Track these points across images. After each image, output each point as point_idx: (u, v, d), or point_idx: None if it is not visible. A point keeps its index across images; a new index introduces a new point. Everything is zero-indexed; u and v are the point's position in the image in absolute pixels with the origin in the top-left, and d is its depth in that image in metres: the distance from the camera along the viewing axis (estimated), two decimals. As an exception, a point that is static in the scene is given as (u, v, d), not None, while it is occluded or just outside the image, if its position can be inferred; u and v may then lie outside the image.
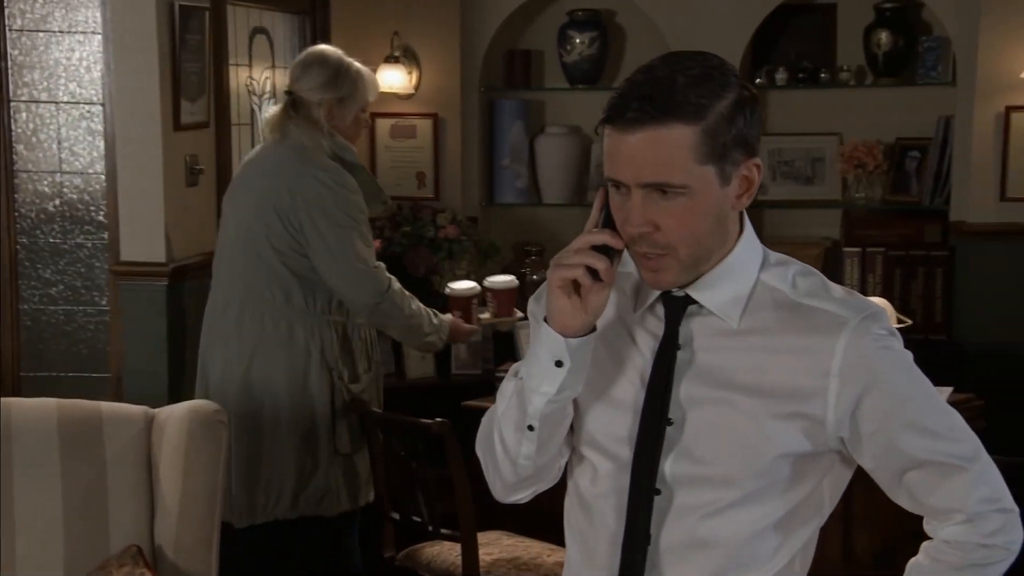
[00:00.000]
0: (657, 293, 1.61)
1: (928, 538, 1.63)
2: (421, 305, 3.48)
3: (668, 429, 1.58)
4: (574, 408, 1.65)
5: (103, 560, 2.51)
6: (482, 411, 3.71)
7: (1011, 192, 4.70)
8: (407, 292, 3.46)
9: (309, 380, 3.27)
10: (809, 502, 1.62)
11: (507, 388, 1.65)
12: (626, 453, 1.60)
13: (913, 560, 1.65)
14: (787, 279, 1.59)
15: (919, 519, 1.63)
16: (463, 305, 3.71)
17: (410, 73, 5.09)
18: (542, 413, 1.58)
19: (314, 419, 3.29)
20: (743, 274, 1.59)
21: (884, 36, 4.99)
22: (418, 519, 3.25)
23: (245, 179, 3.39)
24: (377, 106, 5.13)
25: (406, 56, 5.08)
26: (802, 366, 1.55)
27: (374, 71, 4.98)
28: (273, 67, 4.57)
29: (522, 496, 1.76)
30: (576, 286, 1.53)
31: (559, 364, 1.54)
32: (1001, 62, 4.67)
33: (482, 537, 3.28)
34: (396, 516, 3.35)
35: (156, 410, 2.65)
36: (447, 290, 3.79)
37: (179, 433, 2.56)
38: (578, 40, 5.18)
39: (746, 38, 4.97)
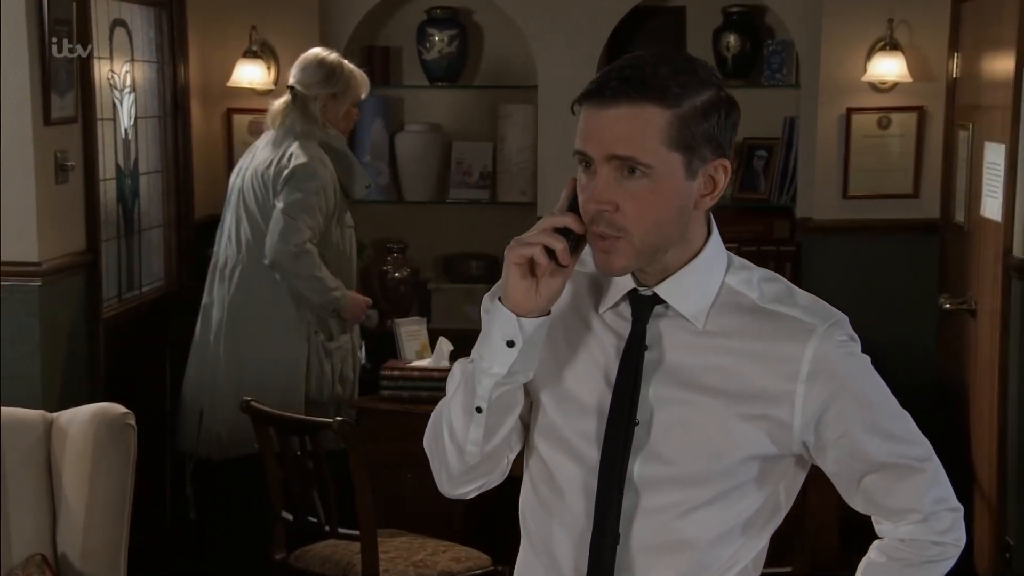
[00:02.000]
0: (623, 292, 1.62)
1: (877, 537, 1.69)
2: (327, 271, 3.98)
3: (635, 429, 1.58)
4: (537, 407, 1.66)
5: (6, 570, 2.43)
6: (366, 409, 3.76)
7: (853, 190, 4.95)
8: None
9: (288, 332, 3.94)
10: (768, 505, 1.64)
11: (457, 372, 1.65)
12: (593, 453, 1.60)
13: (866, 559, 1.70)
14: (752, 284, 1.61)
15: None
16: None
17: (269, 68, 5.03)
18: (491, 395, 1.58)
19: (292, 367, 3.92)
20: (709, 277, 1.61)
21: (732, 39, 5.19)
22: (314, 519, 3.23)
23: (248, 159, 4.10)
24: (235, 102, 5.08)
25: (264, 51, 5.02)
26: (769, 371, 1.57)
27: (231, 66, 4.96)
28: (133, 60, 4.46)
29: (468, 490, 1.72)
30: (533, 267, 1.53)
31: (511, 344, 1.55)
32: (842, 65, 4.92)
33: (374, 535, 3.29)
34: (289, 517, 3.32)
35: (55, 414, 2.58)
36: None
37: (84, 437, 2.49)
38: (437, 38, 5.21)
39: (603, 38, 5.09)
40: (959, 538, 1.68)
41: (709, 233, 1.63)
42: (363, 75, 4.04)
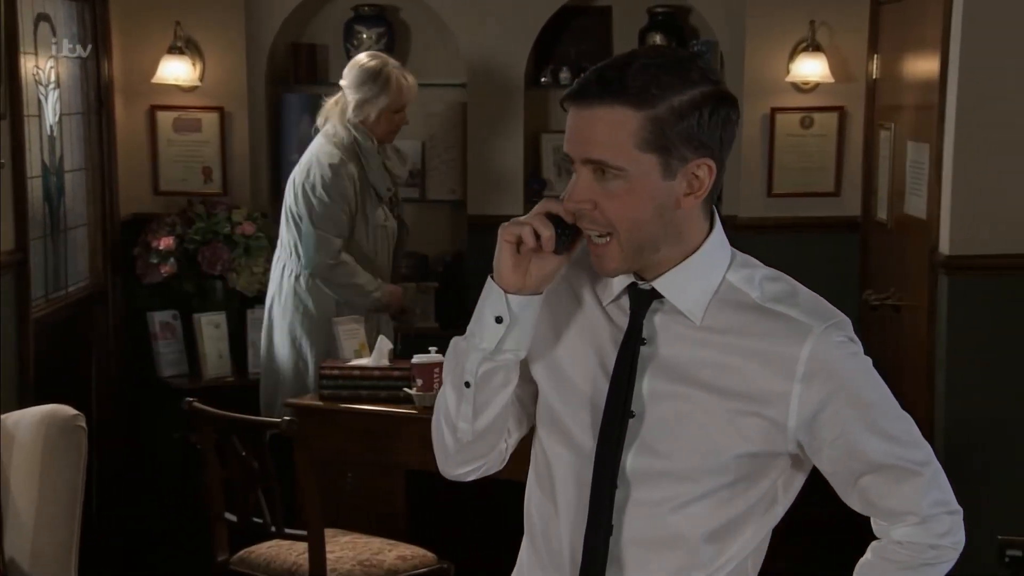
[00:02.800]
0: (623, 286, 1.64)
1: (875, 538, 1.69)
2: (365, 273, 4.13)
3: (630, 422, 1.60)
4: (541, 397, 1.68)
5: (-47, 577, 2.37)
6: (305, 408, 3.73)
7: (777, 189, 5.04)
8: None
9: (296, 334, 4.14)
10: (764, 502, 1.65)
11: (451, 348, 1.68)
12: (588, 443, 1.62)
13: (863, 560, 1.69)
14: (754, 282, 1.62)
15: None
16: (426, 373, 3.65)
17: (194, 65, 4.96)
18: (478, 370, 1.60)
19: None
20: (710, 272, 1.61)
21: (658, 39, 5.24)
22: (259, 520, 3.21)
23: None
24: (159, 98, 5.01)
25: (189, 47, 4.96)
26: (766, 371, 1.58)
27: (155, 62, 4.88)
28: (57, 56, 4.37)
29: (465, 471, 1.75)
30: (518, 244, 1.57)
31: (499, 320, 1.58)
32: (766, 66, 5.01)
33: (318, 534, 3.27)
34: (232, 518, 3.29)
35: (1, 416, 2.52)
36: (413, 359, 3.69)
37: (33, 440, 2.45)
38: (365, 35, 5.19)
39: (532, 37, 5.12)
40: (958, 541, 1.67)
41: (711, 229, 1.64)
42: (407, 82, 4.17)
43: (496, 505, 4.08)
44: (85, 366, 4.48)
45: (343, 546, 3.33)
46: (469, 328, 1.63)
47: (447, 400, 1.68)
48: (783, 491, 1.67)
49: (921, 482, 1.63)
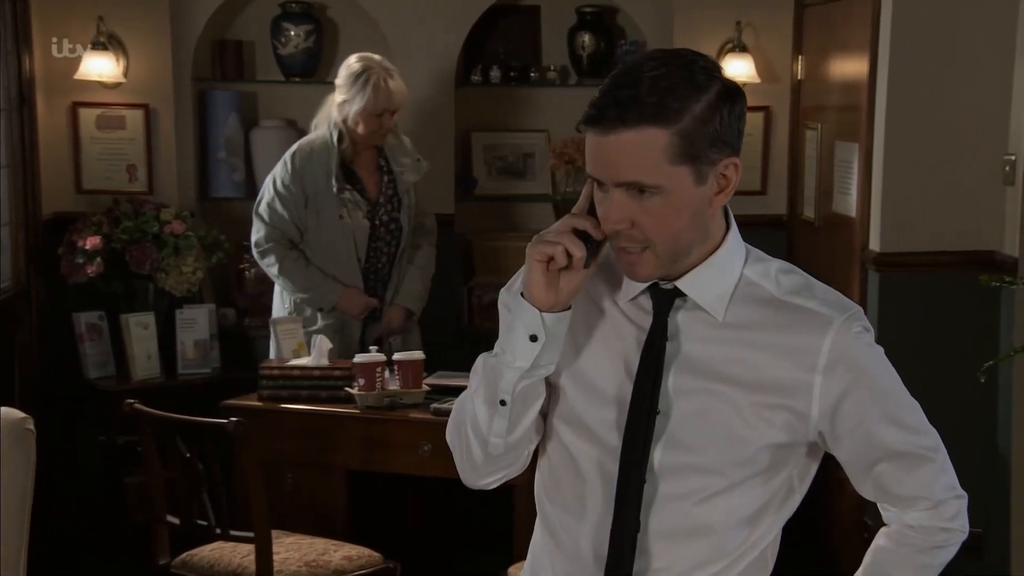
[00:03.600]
0: (644, 285, 1.65)
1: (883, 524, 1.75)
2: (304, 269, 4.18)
3: (657, 418, 1.62)
4: (559, 394, 1.70)
5: None
6: (243, 409, 3.69)
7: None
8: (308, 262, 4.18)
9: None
10: (783, 492, 1.68)
11: (479, 366, 1.68)
12: (614, 440, 1.64)
13: (877, 546, 1.75)
14: (770, 276, 1.65)
15: None
16: (367, 372, 3.62)
17: (117, 61, 4.87)
18: (515, 388, 1.62)
19: None
20: (729, 269, 1.64)
21: (587, 38, 5.28)
22: (203, 522, 3.16)
23: None
24: (82, 95, 4.91)
25: (112, 43, 4.86)
26: (788, 363, 1.61)
27: (78, 58, 4.78)
28: (-22, 52, 4.26)
29: (491, 481, 1.76)
30: (549, 263, 1.58)
31: (534, 339, 1.59)
32: (694, 66, 5.06)
33: (262, 536, 3.23)
34: (176, 521, 3.24)
35: (-56, 421, 2.46)
36: (355, 358, 3.67)
37: (-20, 444, 2.38)
38: (293, 32, 5.15)
39: (462, 35, 5.12)
40: (964, 524, 1.73)
41: (728, 226, 1.66)
42: (386, 86, 4.11)
43: (435, 503, 4.09)
44: (8, 368, 4.37)
45: (287, 547, 3.30)
46: (499, 346, 1.63)
47: (478, 416, 1.68)
48: (799, 481, 1.71)
49: (934, 468, 1.69)
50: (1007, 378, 3.64)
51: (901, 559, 1.73)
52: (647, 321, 1.65)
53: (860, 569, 1.78)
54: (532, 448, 1.74)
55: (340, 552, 3.32)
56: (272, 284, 5.15)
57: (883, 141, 3.78)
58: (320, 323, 4.16)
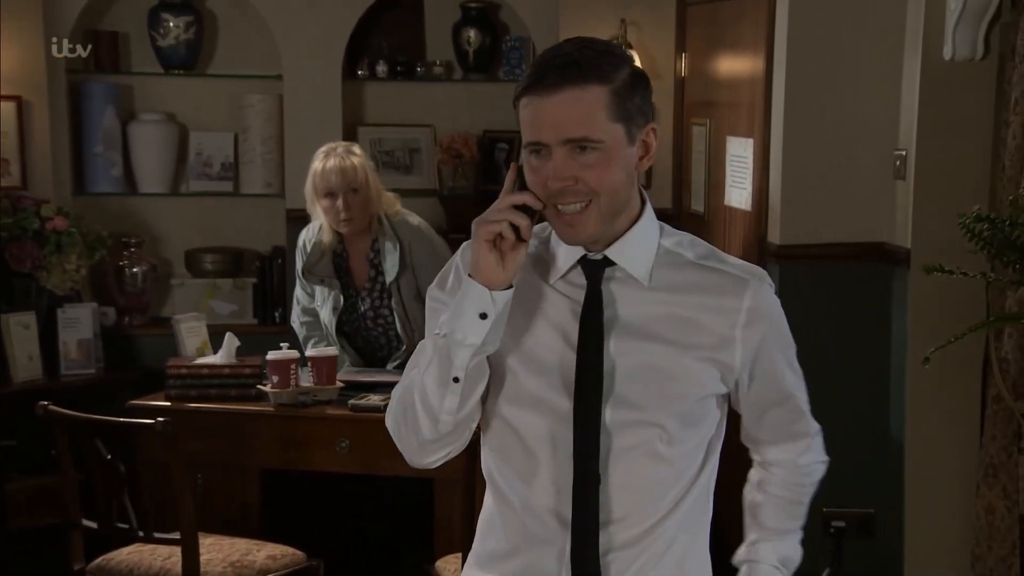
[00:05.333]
0: (573, 261, 1.78)
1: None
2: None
3: (604, 380, 1.74)
4: (502, 374, 1.78)
5: None
6: (150, 409, 3.58)
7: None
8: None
9: None
10: (716, 435, 1.86)
11: (428, 348, 1.77)
12: (564, 404, 1.75)
13: (755, 500, 1.98)
14: (684, 245, 1.81)
15: None
16: (282, 369, 3.53)
17: (-13, 53, 4.67)
18: (468, 365, 1.72)
19: None
20: (649, 238, 1.79)
21: (473, 34, 5.30)
22: (125, 525, 3.07)
23: None
24: (-49, 87, 4.68)
25: (-19, 34, 4.66)
26: (713, 320, 1.77)
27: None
28: None
29: (434, 459, 1.85)
30: (497, 243, 1.68)
31: (483, 316, 1.69)
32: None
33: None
34: (93, 525, 3.13)
35: None
36: (268, 355, 3.59)
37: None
38: (172, 24, 5.02)
39: (348, 29, 5.08)
40: (826, 459, 2.00)
41: (643, 200, 1.81)
42: (321, 166, 3.88)
43: (348, 500, 4.06)
44: None
45: (208, 548, 3.22)
46: (448, 327, 1.71)
47: (428, 395, 1.76)
48: (722, 422, 1.88)
49: (807, 409, 1.94)
50: (900, 363, 3.81)
51: (783, 504, 1.96)
52: (579, 294, 1.77)
53: (747, 528, 1.99)
54: (474, 426, 1.83)
55: (263, 552, 3.26)
56: (155, 282, 5.05)
57: (781, 137, 3.90)
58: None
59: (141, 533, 3.06)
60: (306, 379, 3.65)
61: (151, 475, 3.12)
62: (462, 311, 1.70)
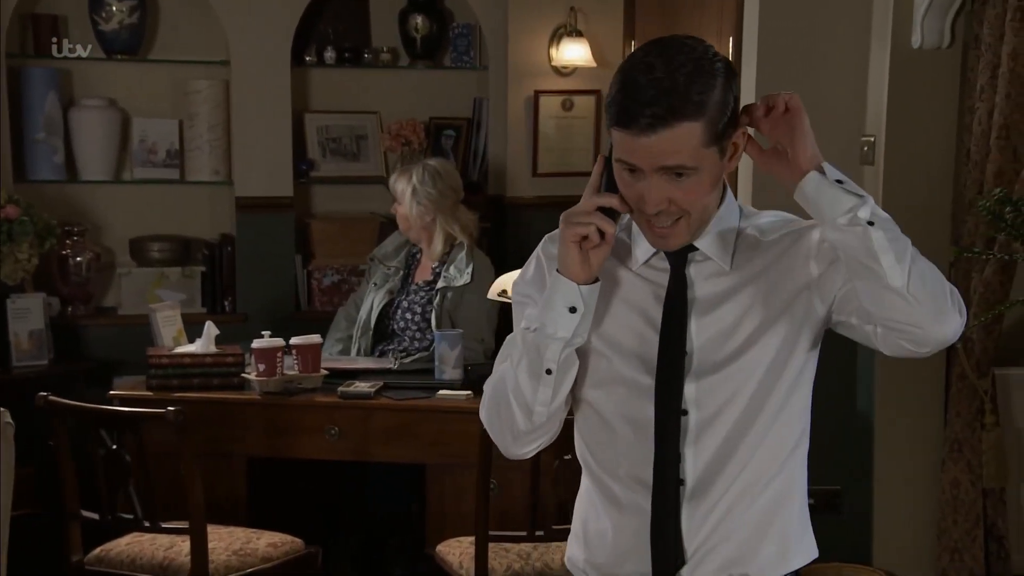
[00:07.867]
0: (654, 249, 1.82)
1: None
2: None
3: (685, 358, 1.80)
4: (586, 362, 1.83)
5: None
6: (132, 400, 3.51)
7: (541, 169, 5.23)
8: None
9: None
10: (806, 410, 1.87)
11: (518, 342, 1.81)
12: (646, 381, 1.80)
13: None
14: (762, 226, 1.85)
15: None
16: (268, 358, 3.46)
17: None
18: (560, 357, 1.77)
19: None
20: (731, 223, 1.84)
21: (420, 20, 5.28)
22: (129, 516, 2.99)
23: None
24: None
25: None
26: (790, 279, 1.79)
27: None
28: None
29: (528, 450, 1.90)
30: (582, 243, 1.73)
31: (573, 310, 1.75)
32: (529, 49, 5.17)
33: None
34: (95, 516, 3.05)
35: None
36: (253, 344, 3.52)
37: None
38: (115, 8, 4.90)
39: (296, 16, 5.01)
40: None
41: (724, 188, 1.84)
42: (392, 183, 4.22)
43: (335, 488, 4.02)
44: None
45: (208, 537, 3.15)
46: (539, 320, 1.77)
47: (521, 388, 1.81)
48: (811, 372, 1.87)
49: None
50: (867, 342, 3.92)
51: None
52: (662, 277, 1.83)
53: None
54: (564, 415, 1.88)
55: (263, 539, 3.22)
56: (99, 272, 4.93)
57: (752, 123, 3.98)
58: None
59: (147, 523, 2.99)
60: (291, 367, 3.60)
61: (154, 465, 3.04)
62: (552, 305, 1.75)
